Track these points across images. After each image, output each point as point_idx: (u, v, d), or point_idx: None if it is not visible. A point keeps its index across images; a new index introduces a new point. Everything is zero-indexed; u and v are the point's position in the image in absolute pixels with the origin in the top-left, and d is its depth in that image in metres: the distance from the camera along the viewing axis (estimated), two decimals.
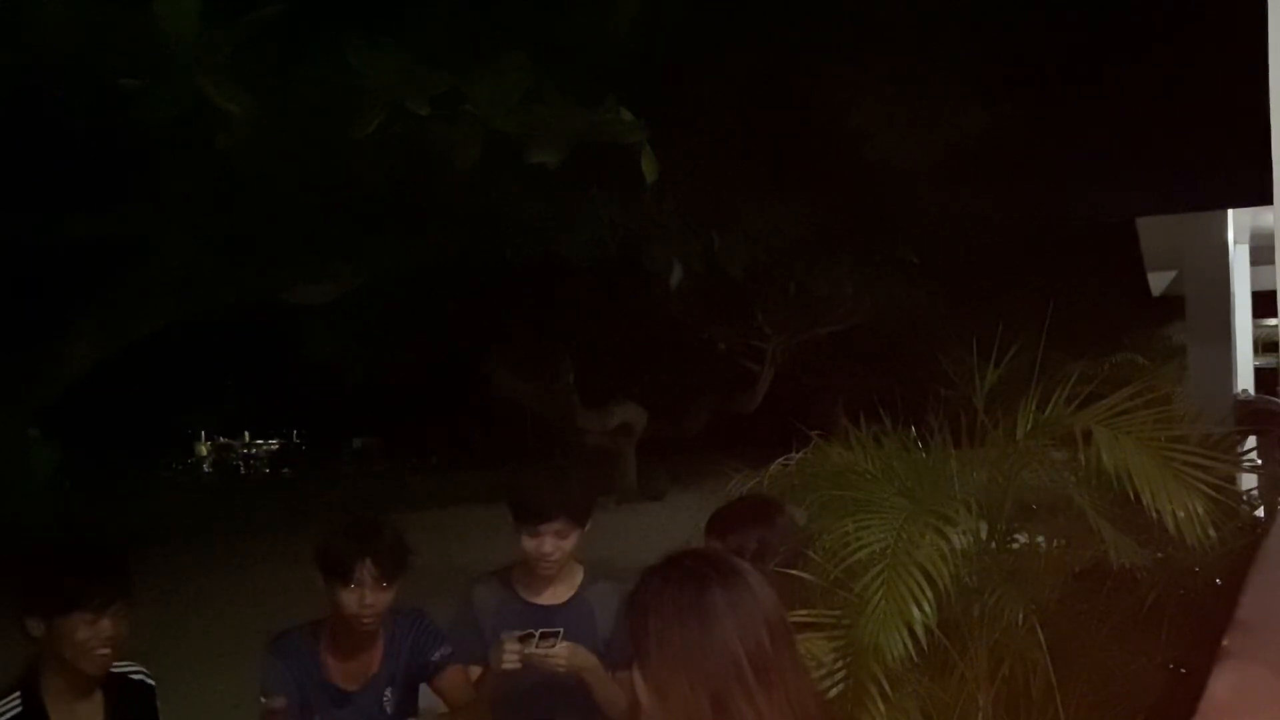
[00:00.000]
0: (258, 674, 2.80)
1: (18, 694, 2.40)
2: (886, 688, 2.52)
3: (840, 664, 2.57)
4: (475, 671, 2.95)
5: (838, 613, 2.62)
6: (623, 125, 5.34)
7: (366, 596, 2.70)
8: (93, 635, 2.37)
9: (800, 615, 2.62)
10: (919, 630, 2.45)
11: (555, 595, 2.95)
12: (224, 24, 4.56)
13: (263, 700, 2.73)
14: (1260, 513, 3.48)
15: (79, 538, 2.60)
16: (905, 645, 2.43)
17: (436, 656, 2.89)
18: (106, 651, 2.41)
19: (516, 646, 2.72)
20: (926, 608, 2.46)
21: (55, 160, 7.43)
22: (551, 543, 2.87)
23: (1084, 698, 2.78)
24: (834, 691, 2.53)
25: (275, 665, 2.79)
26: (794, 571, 2.70)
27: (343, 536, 2.74)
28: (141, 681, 2.61)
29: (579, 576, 3.01)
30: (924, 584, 2.50)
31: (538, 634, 2.74)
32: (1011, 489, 3.02)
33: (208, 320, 11.30)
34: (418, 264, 10.98)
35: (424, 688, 2.96)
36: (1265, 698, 1.34)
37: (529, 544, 2.88)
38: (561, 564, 2.93)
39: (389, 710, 2.85)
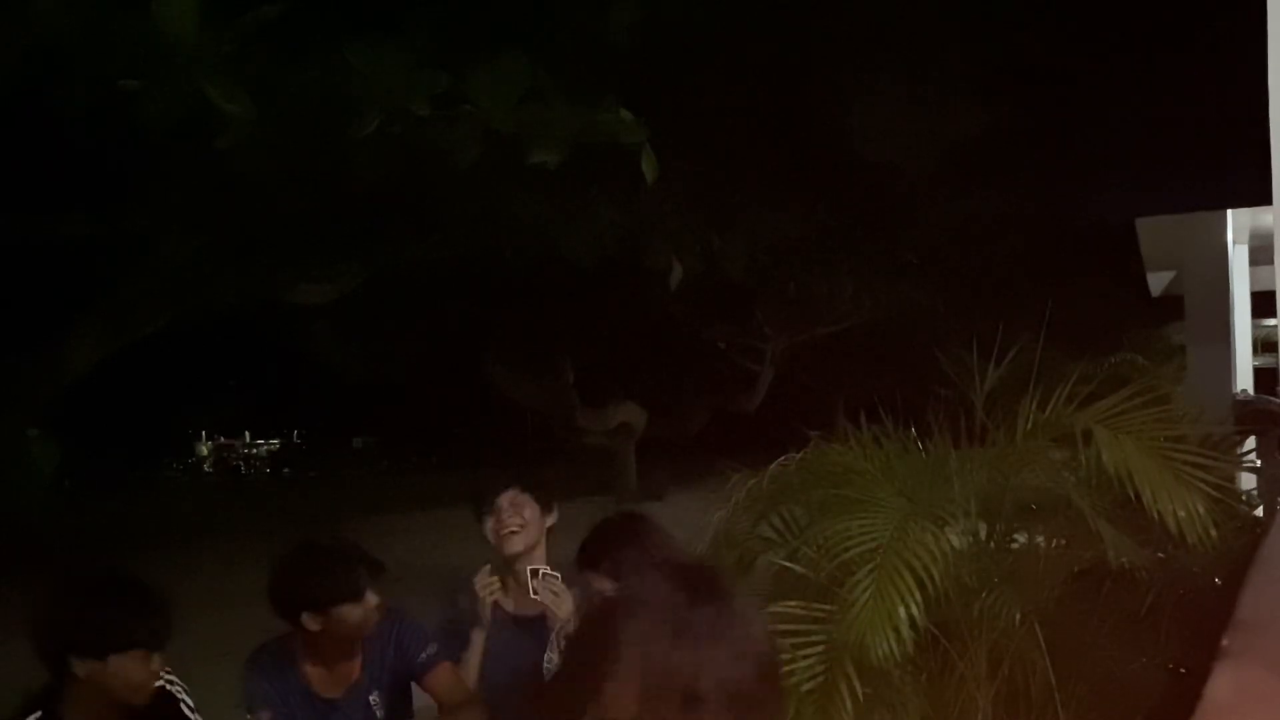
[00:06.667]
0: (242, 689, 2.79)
1: (39, 715, 2.34)
2: (876, 686, 2.53)
3: (825, 662, 2.58)
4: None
5: (831, 608, 2.63)
6: (623, 125, 5.33)
7: (371, 601, 2.71)
8: (147, 673, 2.34)
9: (792, 605, 2.63)
10: (904, 631, 2.45)
11: (535, 605, 2.93)
12: (223, 24, 4.55)
13: (248, 717, 2.72)
14: (1260, 513, 3.48)
15: (122, 573, 2.53)
16: (890, 646, 2.43)
17: (423, 656, 2.86)
18: (155, 686, 2.38)
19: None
20: (914, 609, 2.46)
21: (55, 160, 7.42)
22: (510, 513, 2.95)
23: (1084, 698, 2.78)
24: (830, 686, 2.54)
25: (255, 680, 2.79)
26: (793, 565, 2.70)
27: (327, 563, 2.71)
28: (161, 688, 2.51)
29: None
30: (912, 585, 2.50)
31: (541, 571, 2.82)
32: (1011, 489, 3.02)
33: (208, 320, 11.29)
34: (418, 264, 10.97)
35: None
36: (1265, 698, 1.34)
37: (491, 526, 2.98)
38: (530, 538, 2.97)
39: (379, 714, 2.83)
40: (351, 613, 2.69)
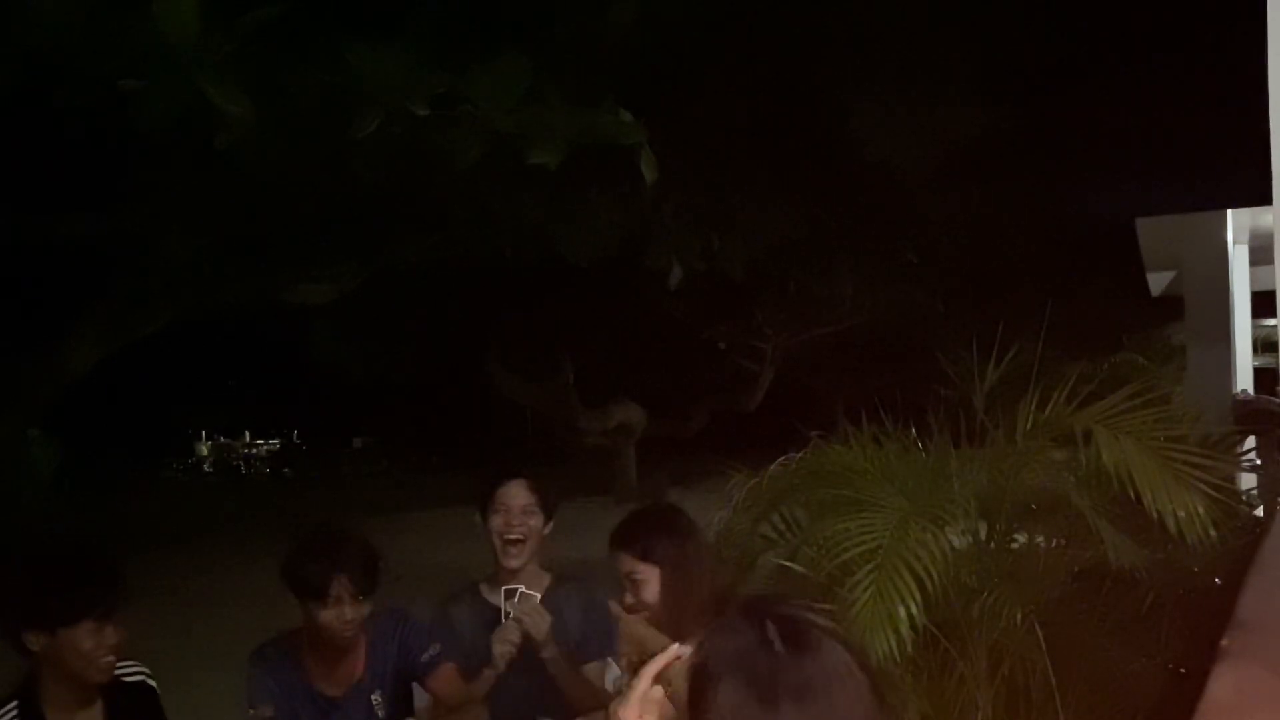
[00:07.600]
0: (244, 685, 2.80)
1: (15, 704, 2.38)
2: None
3: None
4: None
5: (831, 607, 2.63)
6: (622, 125, 5.33)
7: (346, 613, 2.69)
8: (98, 644, 2.35)
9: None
10: (904, 630, 2.45)
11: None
12: (223, 24, 4.55)
13: (250, 712, 2.72)
14: (1260, 513, 3.48)
15: (71, 546, 2.57)
16: (890, 645, 2.44)
17: (426, 657, 2.87)
18: (111, 659, 2.40)
19: (510, 637, 2.85)
20: (914, 608, 2.47)
21: (55, 160, 7.41)
22: (519, 517, 2.98)
23: (1084, 698, 2.78)
24: None
25: (259, 676, 2.79)
26: (793, 565, 2.70)
27: (310, 553, 2.72)
28: (141, 682, 2.59)
29: (546, 581, 3.08)
30: (912, 585, 2.50)
31: (519, 591, 2.85)
32: (1011, 489, 3.02)
33: (208, 320, 11.29)
34: (418, 264, 10.97)
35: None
36: (1265, 698, 1.34)
37: (498, 524, 2.99)
38: (530, 550, 3.01)
39: (381, 714, 2.83)
40: (323, 613, 2.68)
